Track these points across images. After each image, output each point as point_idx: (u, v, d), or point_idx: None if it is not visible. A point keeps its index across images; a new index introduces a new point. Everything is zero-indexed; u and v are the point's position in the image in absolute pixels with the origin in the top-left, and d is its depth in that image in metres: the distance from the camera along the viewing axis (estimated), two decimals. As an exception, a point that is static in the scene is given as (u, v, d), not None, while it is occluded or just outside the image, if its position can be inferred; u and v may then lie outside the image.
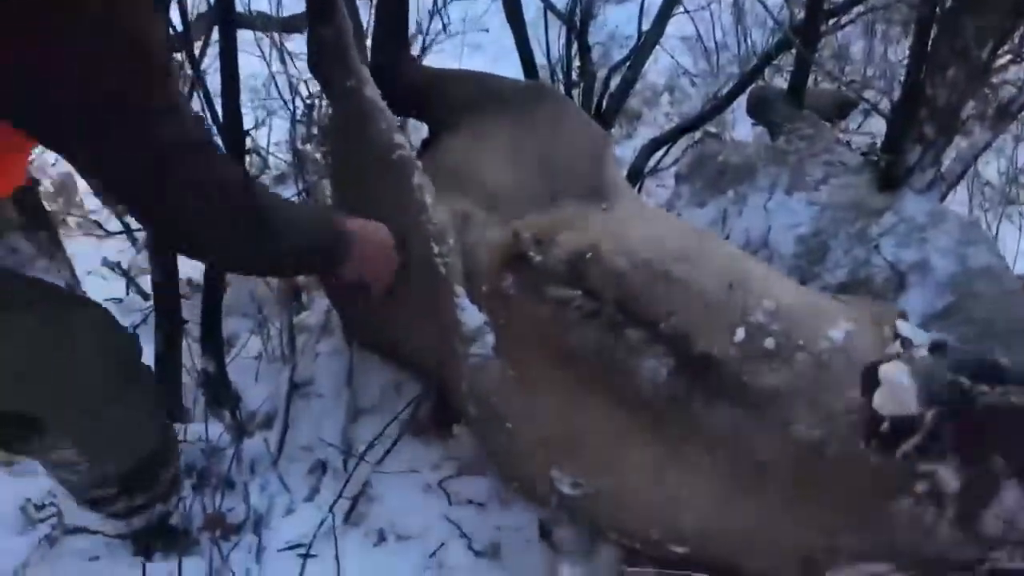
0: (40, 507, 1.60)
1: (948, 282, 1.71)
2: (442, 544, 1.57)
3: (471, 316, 1.45)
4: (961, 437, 1.12)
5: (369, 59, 1.99)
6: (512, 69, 2.42)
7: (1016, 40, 2.07)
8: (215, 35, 1.72)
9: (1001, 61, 1.98)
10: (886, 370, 1.17)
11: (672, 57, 3.95)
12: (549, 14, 2.62)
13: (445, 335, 1.49)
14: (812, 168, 2.09)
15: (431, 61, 2.69)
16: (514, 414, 1.42)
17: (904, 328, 1.34)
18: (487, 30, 2.89)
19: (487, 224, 1.60)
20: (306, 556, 1.52)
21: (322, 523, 1.58)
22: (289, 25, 2.95)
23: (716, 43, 4.02)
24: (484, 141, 1.81)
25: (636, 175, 2.58)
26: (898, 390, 1.15)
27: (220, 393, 1.77)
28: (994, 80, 1.99)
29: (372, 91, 1.65)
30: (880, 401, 1.16)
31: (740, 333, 1.27)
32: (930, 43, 1.82)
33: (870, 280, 1.80)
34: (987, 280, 1.70)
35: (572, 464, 1.36)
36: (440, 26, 2.74)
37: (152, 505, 1.49)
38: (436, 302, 1.49)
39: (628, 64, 2.46)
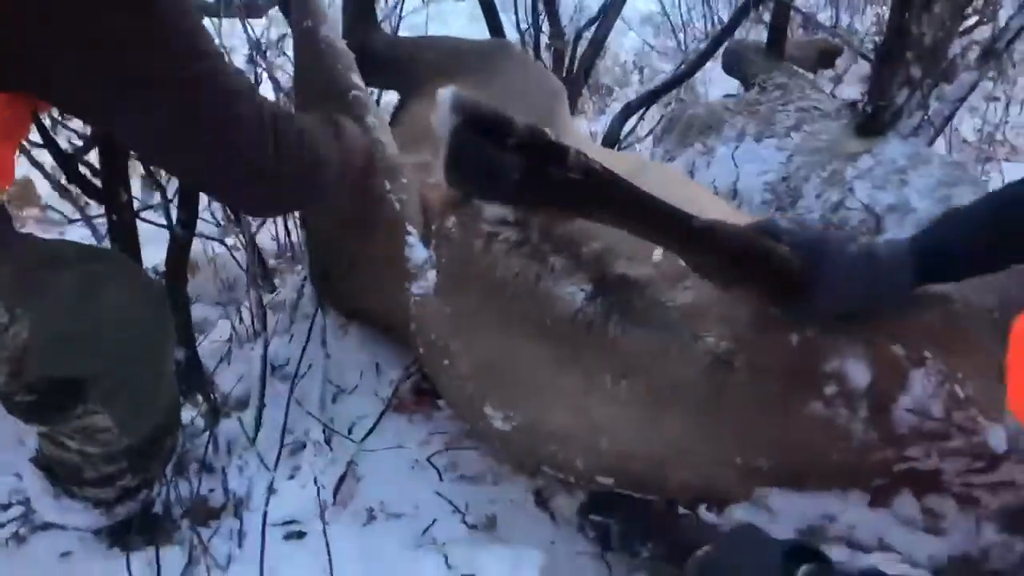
0: (6, 507, 1.52)
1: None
2: (435, 520, 1.50)
3: (417, 253, 1.47)
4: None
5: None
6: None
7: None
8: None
9: (970, 22, 1.96)
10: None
11: (636, 35, 3.93)
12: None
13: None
14: (784, 116, 2.06)
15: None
16: (450, 349, 1.43)
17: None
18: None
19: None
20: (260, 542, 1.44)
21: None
22: (251, 8, 2.87)
23: (682, 18, 4.01)
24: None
25: (612, 142, 2.54)
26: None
27: (192, 378, 1.68)
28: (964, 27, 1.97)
29: (328, 30, 1.65)
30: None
31: (657, 253, 1.28)
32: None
33: (844, 222, 1.77)
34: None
35: (501, 397, 1.36)
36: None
37: (140, 490, 1.40)
38: (391, 241, 1.51)
39: (596, 25, 2.41)
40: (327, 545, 1.42)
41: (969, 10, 2.04)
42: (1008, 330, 0.93)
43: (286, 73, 2.11)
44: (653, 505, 1.26)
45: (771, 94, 2.15)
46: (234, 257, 2.04)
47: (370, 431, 1.67)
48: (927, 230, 1.17)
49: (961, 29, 1.94)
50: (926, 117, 1.90)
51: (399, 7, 2.67)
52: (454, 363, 1.43)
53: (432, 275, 1.46)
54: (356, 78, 1.58)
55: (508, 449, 1.46)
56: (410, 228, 1.49)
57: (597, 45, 2.39)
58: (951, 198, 1.71)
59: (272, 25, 2.39)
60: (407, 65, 2.00)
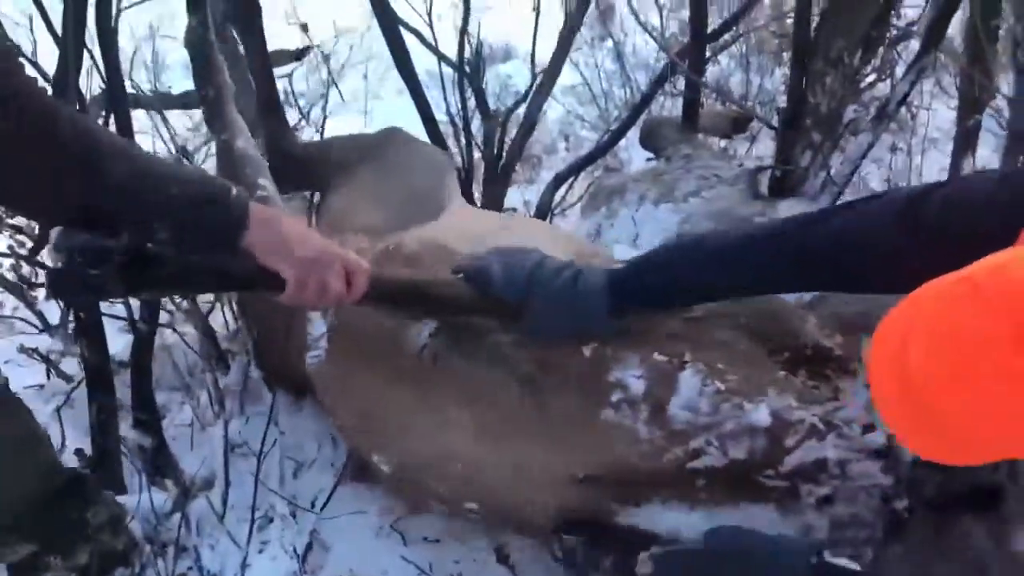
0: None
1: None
2: (402, 584, 1.56)
3: (317, 326, 1.58)
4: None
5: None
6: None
7: (880, 53, 2.25)
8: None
9: (869, 79, 2.14)
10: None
11: (561, 104, 4.11)
12: (443, 67, 2.69)
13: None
14: (684, 183, 2.23)
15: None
16: (337, 407, 1.54)
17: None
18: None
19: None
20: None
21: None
22: (188, 102, 2.97)
23: (603, 88, 4.21)
24: (354, 189, 1.99)
25: (544, 212, 2.66)
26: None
27: (160, 462, 1.74)
28: (863, 85, 2.15)
29: (243, 142, 1.84)
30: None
31: None
32: (808, 59, 1.96)
33: None
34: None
35: (378, 442, 1.45)
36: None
37: (109, 570, 1.44)
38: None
39: (528, 103, 2.54)
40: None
41: (868, 68, 2.22)
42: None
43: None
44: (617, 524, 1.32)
45: (675, 164, 2.32)
46: (187, 343, 2.10)
47: (326, 501, 1.73)
48: (625, 264, 1.29)
49: (862, 86, 2.12)
50: (829, 177, 2.06)
51: (324, 106, 2.80)
52: (341, 419, 1.53)
53: (323, 343, 1.56)
54: (264, 181, 1.74)
55: (398, 489, 1.57)
56: None
57: (530, 123, 2.50)
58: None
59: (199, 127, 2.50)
60: (319, 165, 2.20)
